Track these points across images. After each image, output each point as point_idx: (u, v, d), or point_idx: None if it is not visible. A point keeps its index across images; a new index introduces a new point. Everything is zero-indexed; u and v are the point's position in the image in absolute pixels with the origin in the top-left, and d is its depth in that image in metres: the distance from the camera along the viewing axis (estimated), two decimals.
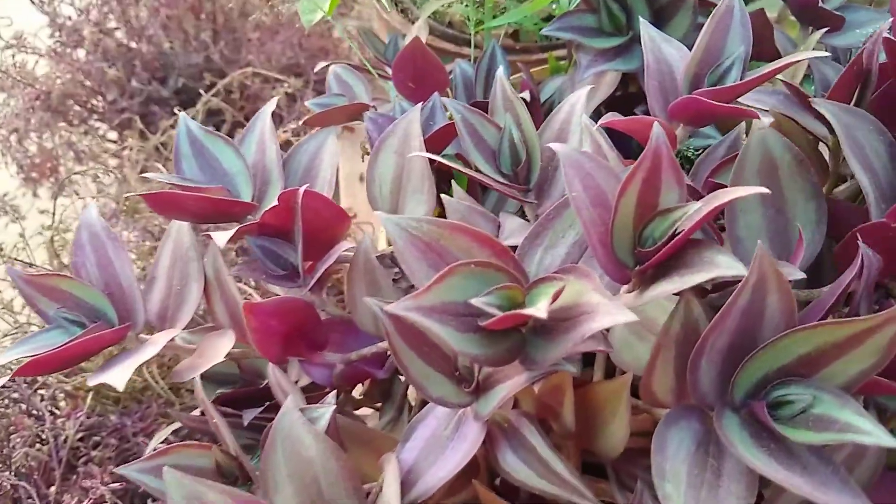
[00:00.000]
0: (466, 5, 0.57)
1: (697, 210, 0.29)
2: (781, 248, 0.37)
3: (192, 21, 1.17)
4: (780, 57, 0.53)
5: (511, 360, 0.31)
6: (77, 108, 1.16)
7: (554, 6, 0.56)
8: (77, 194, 1.14)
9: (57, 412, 0.72)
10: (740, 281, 0.28)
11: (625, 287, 0.32)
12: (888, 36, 0.36)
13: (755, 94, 0.40)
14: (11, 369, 0.54)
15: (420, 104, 0.42)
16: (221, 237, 0.39)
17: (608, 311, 0.26)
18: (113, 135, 1.23)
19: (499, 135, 0.40)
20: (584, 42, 0.48)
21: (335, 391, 0.39)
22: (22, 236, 0.82)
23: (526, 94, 0.49)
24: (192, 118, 0.91)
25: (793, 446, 0.28)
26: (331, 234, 0.43)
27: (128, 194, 0.48)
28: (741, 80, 0.34)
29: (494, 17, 0.56)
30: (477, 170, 0.39)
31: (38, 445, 0.69)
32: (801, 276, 0.32)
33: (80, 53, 1.18)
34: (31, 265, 0.82)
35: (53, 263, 0.78)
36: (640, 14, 0.50)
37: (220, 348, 0.43)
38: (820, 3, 0.46)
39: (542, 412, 0.36)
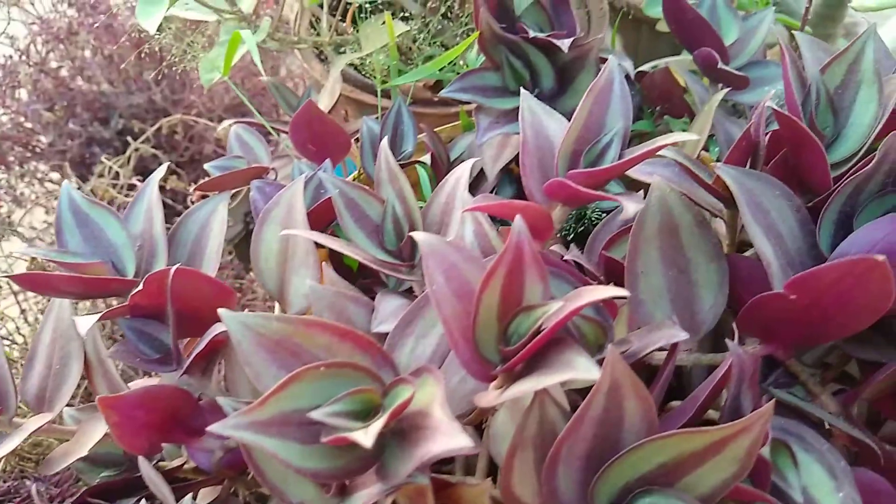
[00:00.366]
0: (378, 59, 0.56)
1: (559, 309, 0.27)
2: (685, 310, 0.35)
3: (135, 60, 1.15)
4: (692, 113, 0.52)
5: (365, 469, 0.29)
6: (17, 149, 1.14)
7: (462, 62, 0.54)
8: (22, 237, 1.11)
9: None
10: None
11: (495, 383, 0.30)
12: (775, 108, 0.34)
13: (645, 166, 0.38)
14: None
15: (303, 176, 0.40)
16: (85, 323, 0.37)
17: (445, 433, 0.25)
18: (55, 176, 1.20)
19: (381, 210, 0.38)
20: (485, 103, 0.47)
21: (220, 473, 0.37)
22: None
23: (426, 157, 0.48)
24: (122, 166, 0.88)
25: None
26: (212, 310, 0.41)
27: (4, 275, 0.46)
28: (619, 157, 0.33)
29: (400, 72, 0.54)
30: (357, 247, 0.38)
31: None
32: (686, 336, 0.30)
33: (21, 94, 1.16)
34: None
35: None
36: (544, 72, 0.48)
37: (95, 432, 0.40)
38: (719, 65, 0.45)
39: None
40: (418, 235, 0.29)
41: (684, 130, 0.51)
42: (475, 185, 0.49)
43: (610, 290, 0.25)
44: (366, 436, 0.24)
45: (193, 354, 0.39)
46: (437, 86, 0.64)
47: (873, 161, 0.32)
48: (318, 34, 0.63)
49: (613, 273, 0.38)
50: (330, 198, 0.43)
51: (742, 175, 0.31)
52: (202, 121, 0.89)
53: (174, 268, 0.38)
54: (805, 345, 0.32)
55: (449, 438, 0.24)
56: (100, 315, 0.38)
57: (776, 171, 0.38)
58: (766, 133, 0.37)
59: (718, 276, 0.34)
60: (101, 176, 0.87)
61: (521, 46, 0.47)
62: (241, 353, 0.29)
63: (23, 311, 0.80)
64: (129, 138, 0.98)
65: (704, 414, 0.31)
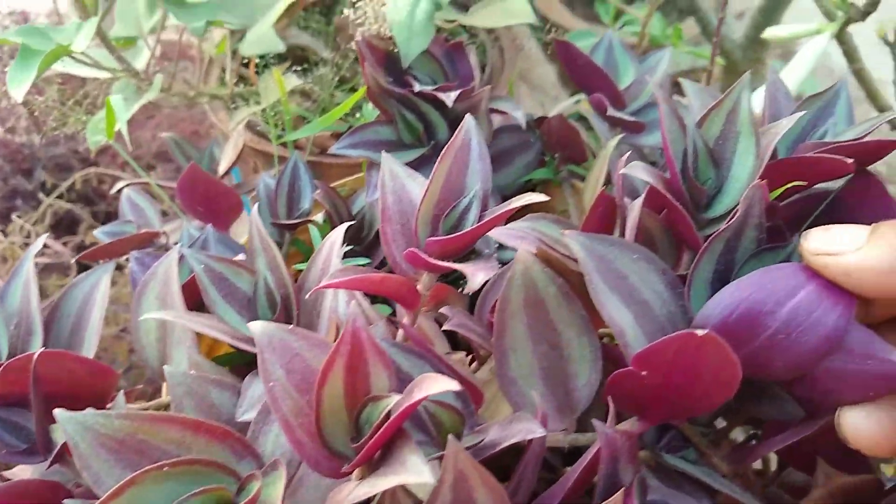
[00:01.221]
0: (273, 115, 0.54)
1: (397, 403, 0.25)
2: (559, 387, 0.34)
3: (59, 109, 1.13)
4: (591, 157, 0.51)
5: None
6: None
7: (358, 115, 0.53)
8: None
9: None
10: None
11: (354, 474, 0.28)
12: (625, 172, 0.33)
13: (525, 222, 0.37)
14: None
15: (177, 246, 0.39)
16: None
17: None
18: None
19: (252, 282, 0.37)
20: (376, 159, 0.46)
21: None
22: None
23: (319, 216, 0.46)
24: (35, 223, 0.85)
25: None
26: (92, 393, 0.39)
27: None
28: (480, 219, 0.32)
29: (295, 128, 0.53)
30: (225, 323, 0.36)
31: None
32: (543, 433, 0.28)
33: None
34: None
35: None
36: (437, 124, 0.47)
37: None
38: (608, 111, 0.45)
39: None
40: (254, 326, 0.27)
41: (584, 178, 0.50)
42: (372, 244, 0.48)
43: (446, 383, 0.24)
44: None
45: (62, 442, 0.37)
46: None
47: (737, 215, 0.31)
48: (224, 85, 0.62)
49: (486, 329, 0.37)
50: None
51: (592, 240, 0.30)
52: (117, 173, 0.86)
53: (38, 352, 0.36)
54: (675, 419, 0.31)
55: None
56: None
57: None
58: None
59: (591, 351, 0.32)
60: (7, 234, 0.85)
61: (411, 99, 0.46)
62: (78, 455, 0.27)
63: None
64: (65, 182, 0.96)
65: (582, 493, 0.30)
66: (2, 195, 1.08)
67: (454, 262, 0.31)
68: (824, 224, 0.35)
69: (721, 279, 0.32)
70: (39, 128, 1.12)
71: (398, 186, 0.34)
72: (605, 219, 0.34)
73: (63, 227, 0.96)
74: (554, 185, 0.52)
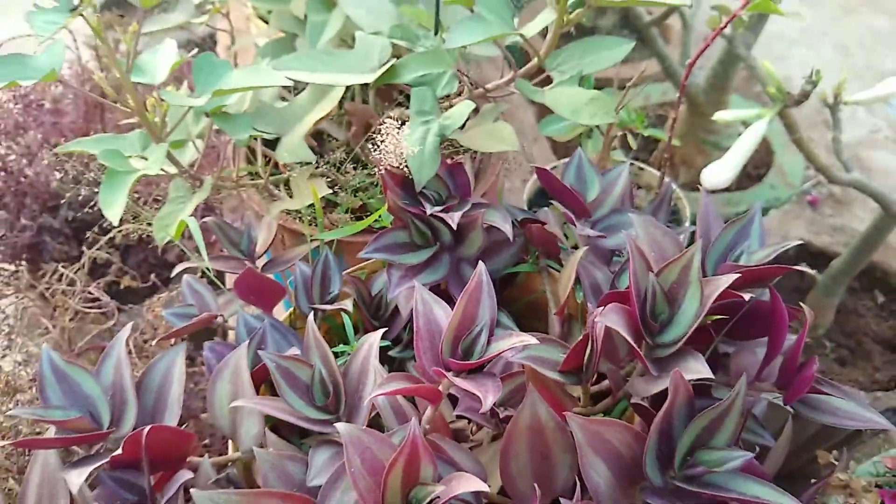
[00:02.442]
0: (306, 210, 0.66)
1: (441, 492, 0.38)
2: (544, 483, 0.46)
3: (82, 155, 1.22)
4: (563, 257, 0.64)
5: None
6: None
7: (382, 217, 0.65)
8: None
9: None
10: None
11: None
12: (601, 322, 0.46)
13: (524, 353, 0.49)
14: None
15: (245, 344, 0.51)
16: (75, 478, 0.46)
17: None
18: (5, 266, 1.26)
19: (310, 373, 0.49)
20: (394, 260, 0.58)
21: None
22: None
23: (348, 302, 0.58)
24: (78, 270, 0.95)
25: None
26: (178, 454, 0.51)
27: (11, 443, 0.54)
28: (488, 348, 0.44)
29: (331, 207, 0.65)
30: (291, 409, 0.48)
31: None
32: None
33: None
34: None
35: None
36: (442, 231, 0.60)
37: None
38: (577, 228, 0.57)
39: None
40: (340, 426, 0.39)
41: (557, 270, 0.63)
42: (391, 318, 0.60)
43: (473, 484, 0.36)
44: None
45: (165, 498, 0.48)
46: (363, 208, 0.74)
47: (667, 403, 0.43)
48: (255, 175, 0.73)
49: (496, 414, 0.50)
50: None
51: (588, 423, 0.43)
52: (147, 230, 0.97)
53: (147, 428, 0.48)
54: None
55: None
56: (88, 470, 0.47)
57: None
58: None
59: (570, 459, 0.45)
60: (56, 279, 0.95)
61: (423, 216, 0.58)
62: None
63: None
64: (89, 222, 1.05)
65: None
66: (30, 233, 1.18)
67: (468, 377, 0.43)
68: (748, 324, 0.48)
69: (666, 439, 0.44)
70: (63, 169, 1.22)
71: (427, 310, 0.46)
72: (578, 354, 0.47)
73: (97, 269, 1.06)
74: (535, 273, 0.64)
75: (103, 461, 0.49)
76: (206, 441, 0.69)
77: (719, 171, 0.76)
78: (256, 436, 0.51)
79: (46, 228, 1.19)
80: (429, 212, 0.56)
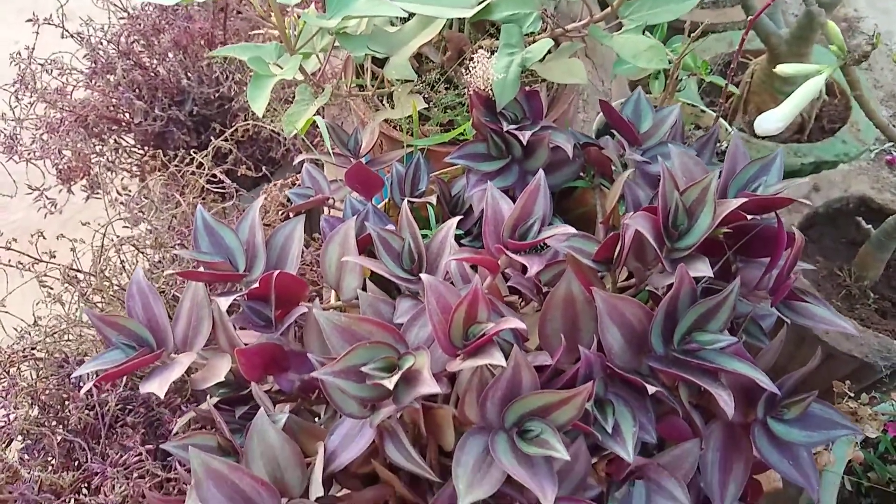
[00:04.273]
0: (406, 121, 0.80)
1: (492, 328, 0.52)
2: (571, 340, 0.60)
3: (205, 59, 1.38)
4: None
5: (388, 397, 0.55)
6: (108, 125, 1.39)
7: (466, 132, 0.78)
8: (107, 193, 1.37)
9: (100, 388, 0.96)
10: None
11: (459, 358, 0.55)
12: (629, 222, 0.58)
13: (563, 238, 0.62)
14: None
15: (354, 217, 0.66)
16: (223, 303, 0.63)
17: (428, 383, 0.50)
18: (137, 147, 1.45)
19: (402, 244, 0.64)
20: (473, 166, 0.71)
21: (294, 395, 0.63)
22: (73, 250, 1.06)
23: (433, 198, 0.72)
24: (206, 156, 1.12)
25: (532, 458, 0.52)
26: (295, 296, 0.67)
27: (175, 272, 0.70)
28: (539, 234, 0.58)
29: (423, 120, 0.79)
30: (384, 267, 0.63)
31: (86, 411, 0.94)
32: (549, 363, 0.55)
33: (111, 78, 1.39)
34: (79, 271, 1.06)
35: (98, 278, 1.01)
36: (514, 146, 0.72)
37: (222, 367, 0.66)
38: (626, 154, 0.69)
39: (410, 421, 0.60)
40: (424, 277, 0.54)
41: (608, 188, 0.75)
42: (467, 214, 0.74)
43: (514, 323, 0.50)
44: (390, 382, 0.50)
45: (285, 325, 0.64)
46: (451, 123, 0.87)
47: (672, 289, 0.56)
48: (363, 86, 0.87)
49: (540, 288, 0.64)
50: (367, 235, 0.68)
51: (609, 297, 0.55)
52: (264, 125, 1.12)
53: (276, 272, 0.63)
54: None
55: (429, 386, 0.50)
56: (232, 298, 0.64)
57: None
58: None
59: (593, 326, 0.58)
60: (186, 163, 1.12)
61: (500, 132, 0.71)
62: (326, 333, 0.55)
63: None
64: (208, 116, 1.21)
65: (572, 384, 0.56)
66: (161, 123, 1.35)
67: (521, 254, 0.57)
68: (757, 245, 0.60)
69: (670, 319, 0.57)
70: (190, 70, 1.38)
71: (495, 203, 0.60)
72: (612, 244, 0.60)
73: (217, 158, 1.23)
74: (589, 189, 0.77)
75: (244, 293, 0.65)
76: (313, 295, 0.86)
77: (771, 119, 0.86)
78: (356, 288, 0.66)
79: (174, 120, 1.37)
80: (505, 129, 0.69)
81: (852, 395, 1.05)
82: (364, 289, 0.65)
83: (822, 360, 1.12)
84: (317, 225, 0.82)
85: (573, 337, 0.59)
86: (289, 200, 0.95)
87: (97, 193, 1.40)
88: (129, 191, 1.29)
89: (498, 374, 0.52)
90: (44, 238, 1.00)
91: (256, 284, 0.63)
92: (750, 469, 0.68)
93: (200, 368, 0.70)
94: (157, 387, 0.63)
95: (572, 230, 0.56)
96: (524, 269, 0.68)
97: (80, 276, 1.05)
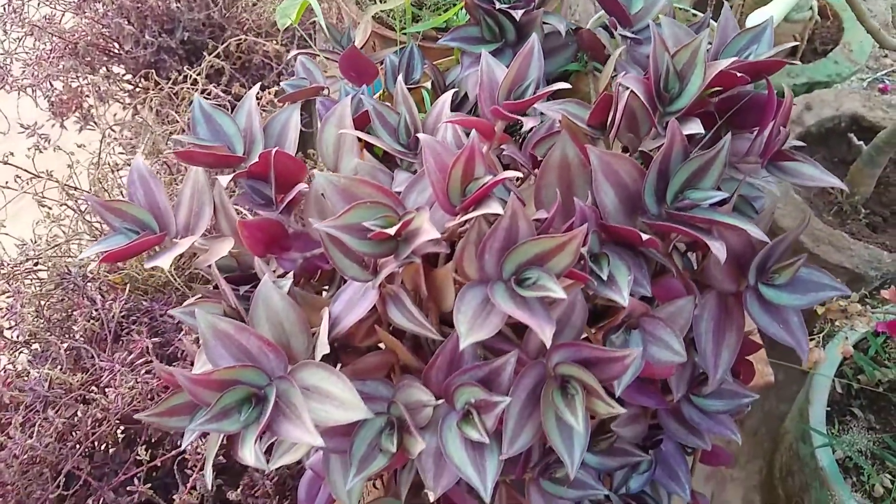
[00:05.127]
0: (396, 12, 0.80)
1: (489, 179, 0.53)
2: (568, 208, 0.61)
3: None
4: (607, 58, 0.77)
5: (389, 254, 0.56)
6: (99, 55, 1.38)
7: (456, 18, 0.79)
8: (97, 125, 1.37)
9: (104, 297, 0.98)
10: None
11: (457, 217, 0.57)
12: (625, 85, 0.59)
13: (558, 104, 0.63)
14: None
15: (350, 96, 0.66)
16: (224, 179, 0.64)
17: (428, 232, 0.51)
18: (129, 78, 1.44)
19: (398, 119, 0.64)
20: (467, 49, 0.72)
21: (298, 276, 0.64)
22: (70, 166, 1.06)
23: (429, 83, 0.73)
24: (199, 73, 1.12)
25: (527, 299, 0.53)
26: (294, 177, 0.68)
27: (171, 150, 0.71)
28: (534, 94, 0.58)
29: (414, 18, 0.79)
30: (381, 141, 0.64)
31: (92, 321, 0.96)
32: (545, 217, 0.56)
33: (100, 7, 1.39)
34: (75, 188, 1.07)
35: (97, 188, 1.02)
36: (507, 28, 0.73)
37: (223, 247, 0.68)
38: (617, 31, 0.70)
39: (412, 286, 0.61)
40: (421, 136, 0.55)
41: (600, 71, 0.76)
42: (461, 103, 0.75)
43: (511, 174, 0.51)
44: (392, 230, 0.51)
45: (286, 202, 0.65)
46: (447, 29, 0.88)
47: (664, 146, 0.57)
48: None
49: (536, 163, 0.65)
50: (367, 110, 0.69)
51: (603, 154, 0.56)
52: (259, 41, 1.12)
53: (275, 149, 0.64)
54: None
55: (429, 233, 0.51)
56: (233, 175, 0.65)
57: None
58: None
59: (588, 188, 0.60)
60: (181, 80, 1.12)
61: (493, 12, 0.71)
62: (326, 194, 0.56)
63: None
64: (201, 42, 1.21)
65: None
66: (151, 51, 1.35)
67: (517, 114, 0.58)
68: (747, 115, 0.61)
69: (662, 177, 0.58)
70: None
71: (490, 70, 0.60)
72: (605, 107, 0.61)
73: (211, 78, 1.23)
74: (583, 74, 0.77)
75: (242, 171, 0.66)
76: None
77: (762, 15, 0.86)
78: (353, 168, 0.67)
79: (165, 48, 1.36)
80: (497, 6, 0.69)
81: (844, 297, 1.07)
82: None
83: None
84: (309, 124, 0.83)
85: (569, 201, 0.60)
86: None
87: (90, 126, 1.39)
88: (123, 122, 1.29)
89: (496, 222, 0.53)
90: (40, 151, 1.01)
91: (256, 160, 0.64)
92: (742, 338, 0.70)
93: (203, 253, 0.71)
94: (164, 261, 0.65)
95: (567, 85, 0.57)
96: (521, 145, 0.69)
97: (77, 193, 1.06)
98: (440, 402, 0.57)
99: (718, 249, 0.55)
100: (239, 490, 0.88)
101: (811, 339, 1.04)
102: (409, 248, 0.54)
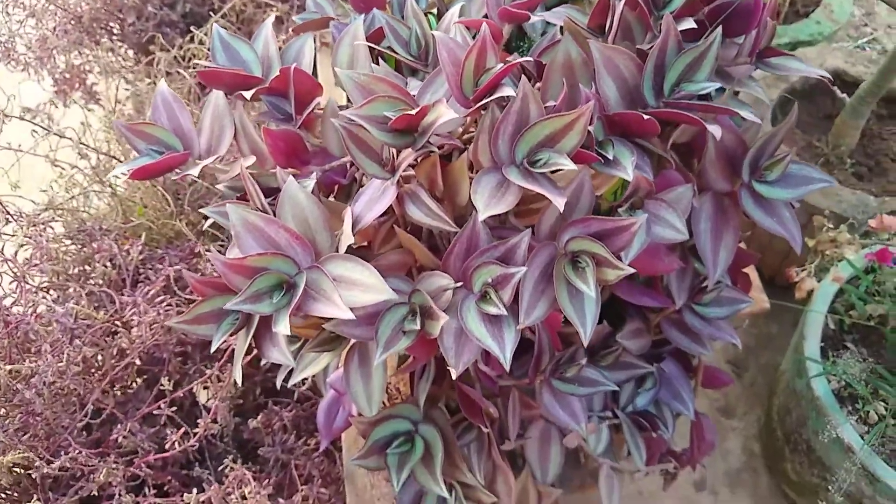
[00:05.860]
0: None
1: (501, 67, 0.57)
2: (572, 102, 0.65)
3: None
4: None
5: (408, 146, 0.60)
6: (102, 29, 1.42)
7: None
8: (98, 102, 1.40)
9: (121, 245, 1.01)
10: None
11: (471, 108, 0.60)
12: None
13: (561, 7, 0.67)
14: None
15: (363, 15, 0.70)
16: (247, 94, 0.67)
17: (446, 115, 0.55)
18: (132, 54, 1.48)
19: (409, 32, 0.68)
20: None
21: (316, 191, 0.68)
22: (83, 123, 1.09)
23: (434, 10, 0.77)
24: (206, 34, 1.16)
25: (537, 175, 0.57)
26: (310, 95, 0.71)
27: (199, 69, 0.74)
28: None
29: None
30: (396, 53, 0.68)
31: (110, 267, 0.99)
32: (554, 103, 0.60)
33: None
34: (87, 146, 1.10)
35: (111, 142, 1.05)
36: None
37: (245, 164, 0.71)
38: None
39: (428, 185, 0.65)
40: (436, 34, 0.59)
41: None
42: None
43: (522, 59, 0.55)
44: (413, 111, 0.55)
45: (304, 117, 0.69)
46: None
47: (660, 40, 0.61)
48: None
49: (540, 69, 0.69)
50: (380, 27, 0.72)
51: (603, 47, 0.60)
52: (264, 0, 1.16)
53: (293, 66, 0.68)
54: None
55: (447, 115, 0.55)
56: (255, 89, 0.68)
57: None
58: None
59: (591, 85, 0.64)
60: (189, 42, 1.16)
61: None
62: (348, 90, 0.60)
63: None
64: (202, 15, 1.25)
65: None
66: (153, 23, 1.38)
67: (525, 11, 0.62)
68: (735, 23, 0.65)
69: (659, 71, 0.62)
70: None
71: None
72: (602, 12, 0.65)
73: None
74: None
75: (263, 87, 0.70)
76: None
77: None
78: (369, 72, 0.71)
79: (166, 22, 1.40)
80: None
81: (831, 226, 1.11)
82: None
83: (802, 222, 1.18)
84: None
85: (573, 99, 0.64)
86: None
87: (92, 107, 1.43)
88: (125, 104, 1.32)
89: (507, 105, 0.57)
90: (56, 106, 1.04)
91: (276, 76, 0.68)
92: (738, 238, 0.74)
93: (223, 174, 0.75)
94: (194, 171, 0.68)
95: None
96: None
97: (90, 152, 1.09)
98: (459, 284, 0.61)
99: (715, 130, 0.59)
100: (258, 418, 0.91)
101: (803, 270, 1.08)
102: (425, 137, 0.58)
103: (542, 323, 0.74)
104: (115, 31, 1.47)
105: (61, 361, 0.79)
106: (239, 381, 0.65)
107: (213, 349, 0.64)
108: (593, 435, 0.86)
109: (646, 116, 0.59)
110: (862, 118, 1.46)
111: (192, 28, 1.44)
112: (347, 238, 0.61)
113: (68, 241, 1.03)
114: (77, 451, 0.77)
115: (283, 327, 0.56)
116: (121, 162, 1.11)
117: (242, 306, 0.57)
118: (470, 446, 0.81)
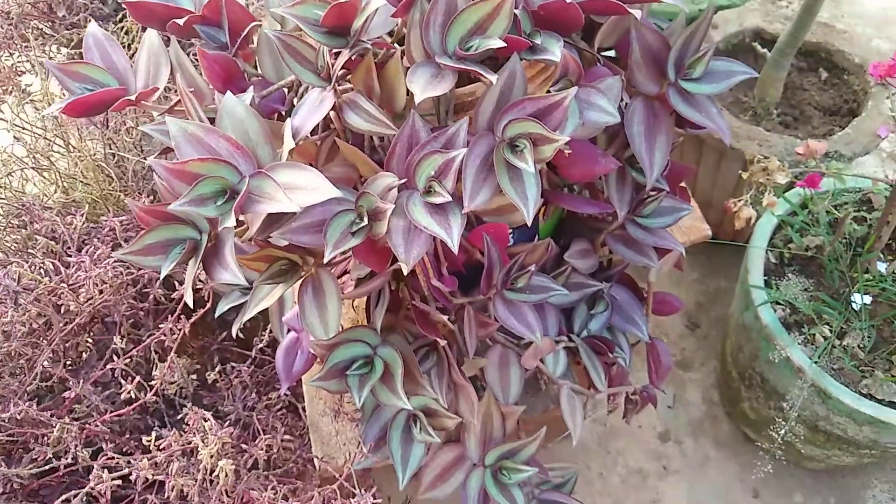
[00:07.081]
0: None
1: None
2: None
3: None
4: None
5: (346, 46, 0.61)
6: (34, 24, 1.40)
7: None
8: (32, 102, 1.38)
9: (63, 219, 0.99)
10: None
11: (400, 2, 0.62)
12: None
13: None
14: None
15: None
16: (181, 21, 0.68)
17: (376, 2, 0.57)
18: (65, 49, 1.46)
19: None
20: None
21: None
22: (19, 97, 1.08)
23: None
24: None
25: (470, 60, 0.59)
26: (243, 24, 0.72)
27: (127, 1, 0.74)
28: None
29: None
30: None
31: (52, 241, 0.97)
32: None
33: None
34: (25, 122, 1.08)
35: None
36: None
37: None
38: None
39: (366, 91, 0.66)
40: None
41: None
42: None
43: None
44: (344, 4, 0.57)
45: (237, 45, 0.70)
46: None
47: None
48: None
49: None
50: None
51: None
52: None
53: None
54: None
55: (378, 2, 0.57)
56: (187, 18, 0.69)
57: None
58: None
59: None
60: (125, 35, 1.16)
61: None
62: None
63: None
64: None
65: None
66: (84, 15, 1.37)
67: None
68: None
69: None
70: None
71: None
72: None
73: None
74: None
75: (196, 15, 0.70)
76: None
77: None
78: None
79: (97, 16, 1.39)
80: None
81: (763, 157, 1.16)
82: None
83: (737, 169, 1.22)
84: None
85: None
86: None
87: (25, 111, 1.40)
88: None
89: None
90: None
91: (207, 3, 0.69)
92: (671, 140, 0.77)
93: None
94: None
95: None
96: None
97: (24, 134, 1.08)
98: (403, 181, 0.62)
99: (636, 12, 0.62)
100: (217, 370, 0.90)
101: (740, 200, 1.12)
102: (361, 32, 0.59)
103: (491, 238, 0.75)
104: (46, 35, 1.46)
105: (6, 324, 0.77)
106: (190, 304, 0.65)
107: (161, 277, 0.64)
108: (551, 357, 0.87)
109: (569, 0, 0.61)
110: (783, 70, 1.53)
111: (125, 20, 1.44)
112: (289, 145, 0.62)
113: (9, 220, 1.01)
114: (28, 406, 0.75)
115: (229, 222, 0.56)
116: (59, 146, 1.10)
117: (187, 208, 0.57)
118: (430, 372, 0.81)
